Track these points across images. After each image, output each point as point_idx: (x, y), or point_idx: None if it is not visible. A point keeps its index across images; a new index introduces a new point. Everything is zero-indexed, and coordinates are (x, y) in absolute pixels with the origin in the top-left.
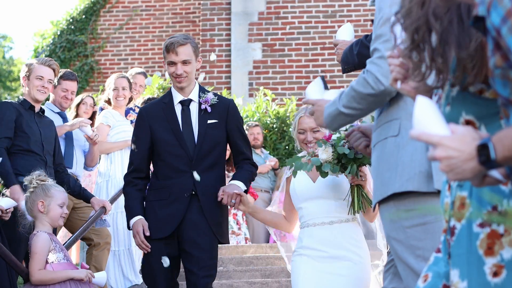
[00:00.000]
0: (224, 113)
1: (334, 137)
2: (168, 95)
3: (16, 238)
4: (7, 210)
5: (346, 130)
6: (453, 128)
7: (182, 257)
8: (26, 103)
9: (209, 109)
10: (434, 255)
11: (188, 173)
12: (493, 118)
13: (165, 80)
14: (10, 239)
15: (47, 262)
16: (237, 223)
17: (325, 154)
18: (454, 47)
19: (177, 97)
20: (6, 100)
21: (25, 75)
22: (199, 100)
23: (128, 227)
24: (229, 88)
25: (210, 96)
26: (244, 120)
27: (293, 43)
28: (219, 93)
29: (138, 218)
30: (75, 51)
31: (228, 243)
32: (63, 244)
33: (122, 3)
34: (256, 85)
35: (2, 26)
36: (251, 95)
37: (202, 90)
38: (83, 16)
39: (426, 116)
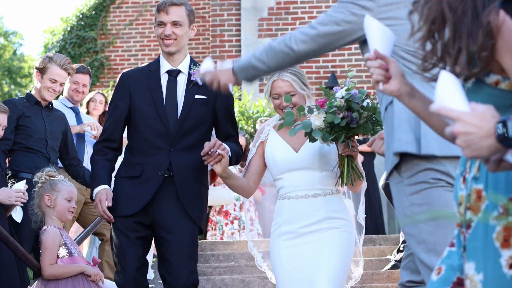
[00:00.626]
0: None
1: (327, 103)
2: (155, 63)
3: (19, 234)
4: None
5: (342, 97)
6: (473, 105)
7: (157, 243)
8: (32, 98)
9: (199, 82)
10: (447, 249)
11: (166, 150)
12: (509, 110)
13: None
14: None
15: (58, 256)
16: (250, 219)
17: (317, 120)
18: (465, 38)
19: (165, 66)
20: (8, 99)
21: (40, 70)
22: (189, 72)
23: (91, 197)
24: (239, 84)
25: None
26: (255, 116)
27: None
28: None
29: (103, 187)
30: (85, 47)
31: (203, 232)
32: (75, 240)
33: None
34: (266, 81)
35: (12, 22)
36: (261, 91)
37: (194, 62)
38: (93, 12)
39: (447, 91)
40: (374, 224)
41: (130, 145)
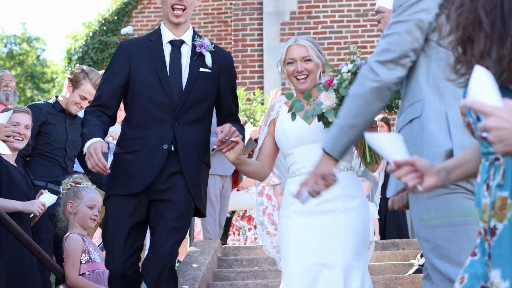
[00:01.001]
0: (219, 65)
1: (335, 80)
2: (156, 33)
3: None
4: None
5: (348, 71)
6: (507, 101)
7: (150, 216)
8: (58, 105)
9: (205, 54)
10: (469, 258)
11: (169, 123)
12: None
13: None
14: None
15: (80, 262)
16: (273, 223)
17: (328, 100)
18: (496, 45)
19: (167, 36)
20: (34, 104)
21: (73, 83)
22: (193, 43)
23: (82, 152)
24: (262, 88)
25: (207, 41)
26: None
27: (325, 42)
28: (252, 94)
29: (96, 139)
30: (107, 52)
31: (205, 216)
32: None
33: (154, 4)
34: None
35: (35, 28)
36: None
37: (196, 34)
38: (115, 17)
39: (481, 86)
40: (398, 228)
41: (129, 118)
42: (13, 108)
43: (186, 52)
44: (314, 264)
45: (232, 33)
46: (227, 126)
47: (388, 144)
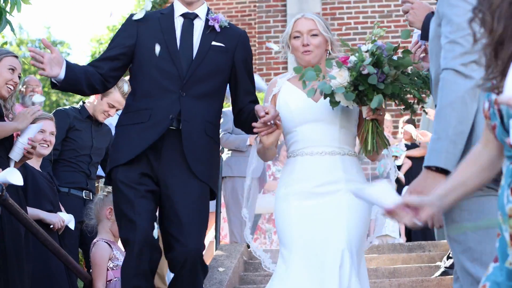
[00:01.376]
0: (234, 41)
1: (352, 58)
2: (169, 8)
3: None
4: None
5: (367, 51)
6: None
7: (160, 213)
8: (85, 111)
9: (217, 28)
10: (491, 264)
11: (176, 94)
12: None
13: None
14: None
15: (108, 269)
16: None
17: (339, 77)
18: None
19: (180, 9)
20: (61, 108)
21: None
22: (207, 17)
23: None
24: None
25: (221, 16)
26: None
27: (350, 44)
28: None
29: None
30: None
31: (216, 196)
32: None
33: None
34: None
35: (59, 32)
36: None
37: (210, 10)
38: None
39: None
40: (423, 230)
41: (134, 89)
42: (41, 115)
43: (199, 25)
44: (318, 242)
45: (256, 35)
46: (271, 108)
47: (377, 194)
